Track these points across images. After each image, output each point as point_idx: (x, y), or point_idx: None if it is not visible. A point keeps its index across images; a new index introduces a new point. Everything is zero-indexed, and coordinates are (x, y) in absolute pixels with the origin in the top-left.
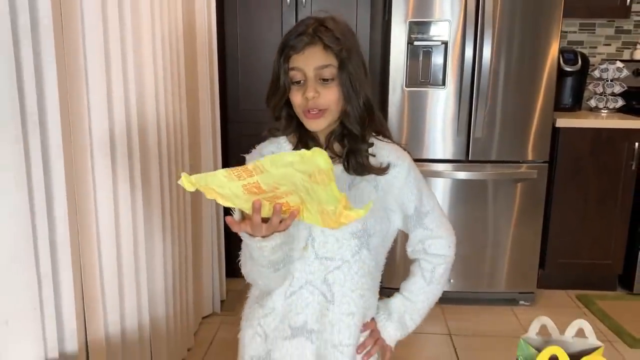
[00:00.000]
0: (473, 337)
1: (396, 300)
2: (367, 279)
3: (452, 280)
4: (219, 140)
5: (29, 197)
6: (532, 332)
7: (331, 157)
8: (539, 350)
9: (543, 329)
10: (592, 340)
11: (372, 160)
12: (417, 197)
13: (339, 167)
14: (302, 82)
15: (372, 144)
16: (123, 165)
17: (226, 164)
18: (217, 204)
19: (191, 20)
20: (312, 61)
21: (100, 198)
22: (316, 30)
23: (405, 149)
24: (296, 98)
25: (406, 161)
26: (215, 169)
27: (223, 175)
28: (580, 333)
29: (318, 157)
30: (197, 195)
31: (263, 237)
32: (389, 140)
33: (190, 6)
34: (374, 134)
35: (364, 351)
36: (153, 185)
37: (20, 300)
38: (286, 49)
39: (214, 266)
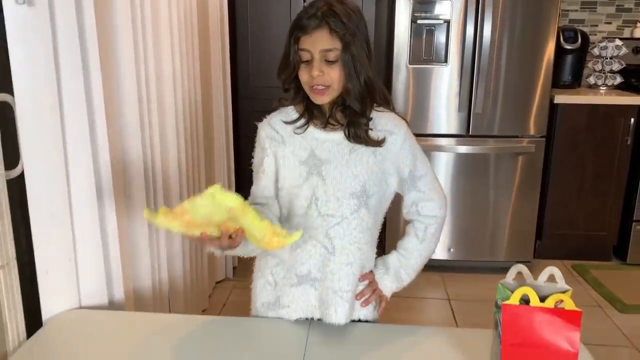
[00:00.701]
0: (471, 302)
1: (392, 257)
2: (365, 235)
3: (452, 249)
4: (230, 116)
5: (65, 164)
6: (509, 277)
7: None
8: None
9: (519, 276)
10: (561, 284)
11: (370, 133)
12: (411, 162)
13: (341, 134)
14: (309, 61)
15: (371, 119)
16: (143, 141)
17: (237, 138)
18: (229, 180)
19: (205, 9)
20: (318, 44)
21: (128, 175)
22: (324, 14)
23: (403, 118)
24: (303, 75)
25: (402, 129)
26: (227, 144)
27: (163, 218)
28: (552, 279)
29: (224, 198)
30: (210, 167)
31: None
32: (387, 110)
33: None
34: (375, 105)
35: (363, 298)
36: (170, 156)
37: (58, 253)
38: (296, 31)
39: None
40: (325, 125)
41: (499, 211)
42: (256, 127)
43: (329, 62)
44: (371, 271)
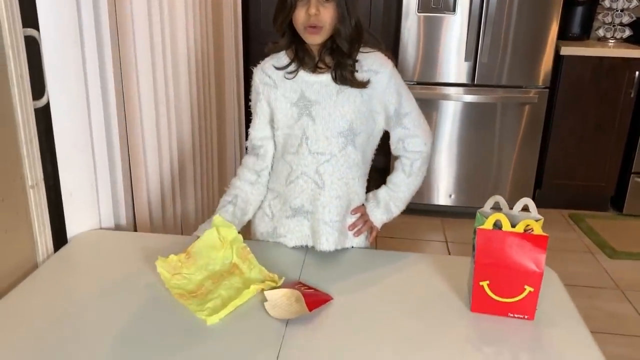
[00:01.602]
0: (467, 245)
1: (382, 191)
2: (352, 170)
3: (452, 195)
4: (241, 58)
5: (86, 96)
6: (487, 207)
7: (321, 68)
8: None
9: (497, 205)
10: (534, 214)
11: (356, 74)
12: (396, 100)
13: (329, 76)
14: (305, 1)
15: (357, 61)
16: (155, 80)
17: (247, 79)
18: (239, 121)
19: None
20: None
21: (144, 106)
22: None
23: (389, 57)
24: (299, 14)
25: (388, 68)
26: (238, 87)
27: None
28: (526, 209)
29: (226, 231)
30: (221, 106)
31: None
32: (374, 49)
33: None
34: (362, 46)
35: (356, 229)
36: (182, 91)
37: (81, 178)
38: None
39: (236, 167)
40: (314, 68)
41: (501, 160)
42: None
43: (324, 3)
44: (363, 204)
